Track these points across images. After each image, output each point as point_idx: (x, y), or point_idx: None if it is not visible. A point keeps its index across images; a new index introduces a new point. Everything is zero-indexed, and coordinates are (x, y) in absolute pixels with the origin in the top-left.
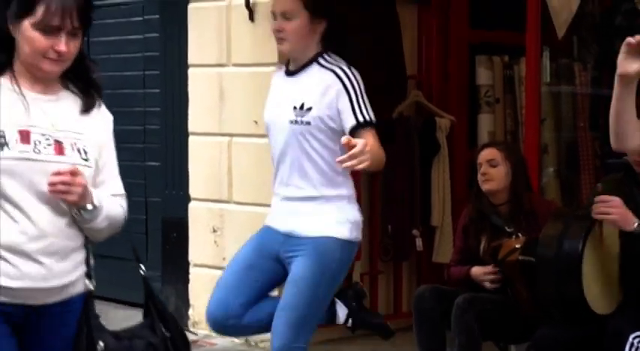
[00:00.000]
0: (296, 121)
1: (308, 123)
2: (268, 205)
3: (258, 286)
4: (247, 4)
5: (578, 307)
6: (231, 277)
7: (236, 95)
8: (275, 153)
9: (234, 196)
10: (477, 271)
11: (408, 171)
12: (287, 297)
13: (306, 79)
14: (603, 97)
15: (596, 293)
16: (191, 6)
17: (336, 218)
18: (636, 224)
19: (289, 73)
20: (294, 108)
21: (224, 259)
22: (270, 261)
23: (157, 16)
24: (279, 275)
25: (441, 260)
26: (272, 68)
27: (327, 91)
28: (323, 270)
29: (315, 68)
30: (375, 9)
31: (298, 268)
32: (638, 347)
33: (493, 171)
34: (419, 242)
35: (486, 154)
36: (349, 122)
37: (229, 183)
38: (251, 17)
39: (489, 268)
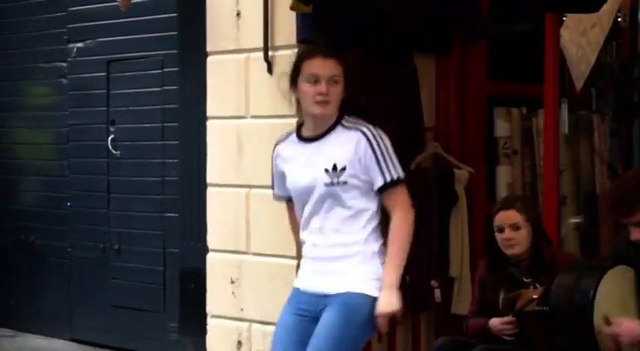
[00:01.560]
0: (332, 183)
1: (345, 182)
2: (287, 256)
3: None
4: (266, 57)
5: None
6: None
7: (254, 147)
8: (305, 217)
9: (252, 247)
10: (494, 322)
11: (426, 222)
12: (311, 345)
13: (333, 141)
14: (622, 148)
15: (611, 344)
16: (210, 59)
17: (367, 275)
18: None
19: (307, 139)
20: (327, 171)
21: (242, 310)
22: (311, 324)
23: (176, 69)
24: None
25: (460, 311)
26: (290, 120)
27: (357, 147)
28: (348, 323)
29: (340, 130)
30: (393, 61)
31: (324, 321)
32: None
33: (517, 235)
34: (437, 293)
35: (508, 217)
36: (378, 182)
37: (247, 234)
38: (269, 70)
39: (507, 319)
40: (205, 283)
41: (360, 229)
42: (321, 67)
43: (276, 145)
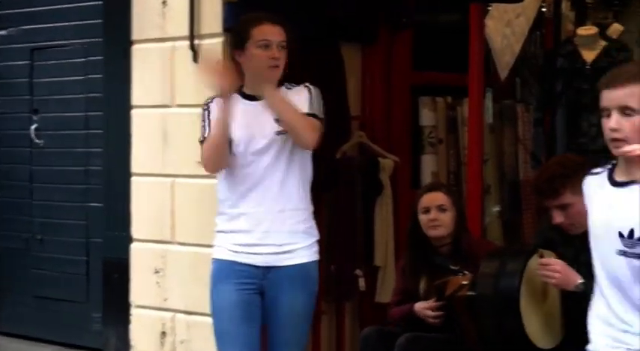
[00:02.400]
0: (282, 131)
1: None
2: (211, 246)
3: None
4: (192, 46)
5: (520, 342)
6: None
7: (179, 136)
8: (254, 174)
9: (176, 237)
10: (420, 305)
11: (351, 211)
12: (289, 333)
13: None
14: (545, 137)
15: (537, 328)
16: (135, 47)
17: (311, 241)
18: (579, 282)
19: (251, 97)
20: (277, 120)
21: (166, 300)
22: (259, 303)
23: (101, 58)
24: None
25: (384, 300)
26: None
27: (300, 94)
28: (310, 295)
29: (283, 90)
30: (319, 50)
31: (292, 303)
32: None
33: (443, 216)
34: (362, 282)
35: (436, 198)
36: (303, 110)
37: (172, 224)
38: (195, 58)
39: (432, 304)
40: (129, 273)
41: (299, 188)
42: (272, 33)
43: (215, 97)
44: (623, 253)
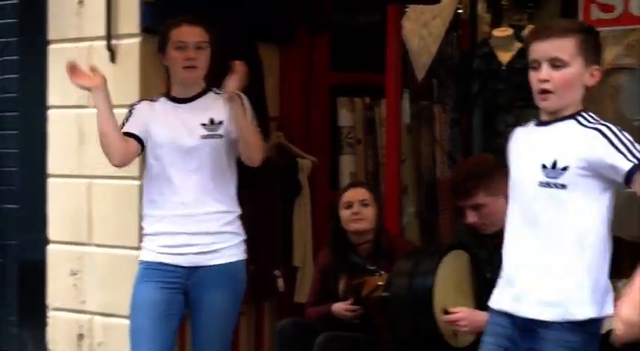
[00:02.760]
0: (208, 136)
1: (220, 136)
2: (128, 247)
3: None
4: (109, 46)
5: (434, 341)
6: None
7: (96, 137)
8: (178, 177)
9: (93, 239)
10: (338, 307)
11: (270, 212)
12: (212, 331)
13: (207, 102)
14: (462, 138)
15: (452, 327)
16: (51, 47)
17: (238, 240)
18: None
19: (178, 100)
20: (204, 125)
21: (84, 302)
22: (180, 303)
23: (16, 57)
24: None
25: (303, 300)
26: None
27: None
28: (236, 294)
29: (212, 95)
30: (236, 49)
31: (217, 301)
32: None
33: (365, 211)
34: (280, 282)
35: (358, 193)
36: None
37: (89, 225)
38: (112, 58)
39: (351, 307)
40: (46, 275)
41: (225, 191)
42: (188, 34)
43: (141, 100)
44: (546, 185)
